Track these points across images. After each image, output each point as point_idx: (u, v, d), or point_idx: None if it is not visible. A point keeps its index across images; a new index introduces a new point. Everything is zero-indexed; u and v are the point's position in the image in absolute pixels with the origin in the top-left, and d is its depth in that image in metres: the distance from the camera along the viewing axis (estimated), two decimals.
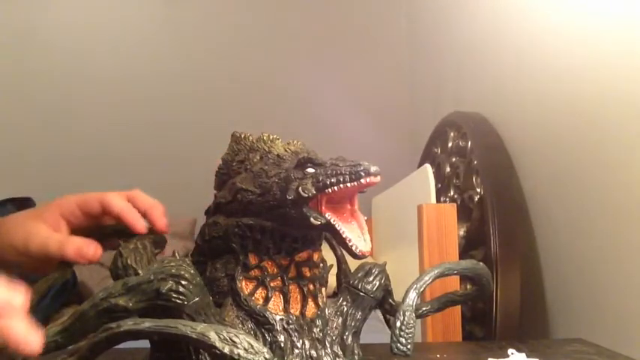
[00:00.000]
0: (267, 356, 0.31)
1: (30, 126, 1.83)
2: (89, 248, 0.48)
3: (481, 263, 0.50)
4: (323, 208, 0.40)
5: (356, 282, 0.47)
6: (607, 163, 0.83)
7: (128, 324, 0.33)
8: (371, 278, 0.47)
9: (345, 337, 0.45)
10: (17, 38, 1.87)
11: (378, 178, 0.39)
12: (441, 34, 1.63)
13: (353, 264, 0.49)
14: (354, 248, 0.39)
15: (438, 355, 0.60)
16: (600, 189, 0.85)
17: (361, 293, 0.46)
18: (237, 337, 0.31)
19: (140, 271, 0.42)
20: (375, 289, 0.47)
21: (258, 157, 0.45)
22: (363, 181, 0.38)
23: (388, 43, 2.01)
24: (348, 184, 0.38)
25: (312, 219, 0.39)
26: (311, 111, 1.90)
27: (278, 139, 0.46)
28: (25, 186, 1.11)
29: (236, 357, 0.31)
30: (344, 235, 0.39)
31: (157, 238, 0.50)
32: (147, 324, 0.33)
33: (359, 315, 0.46)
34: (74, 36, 1.91)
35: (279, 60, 1.93)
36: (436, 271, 0.46)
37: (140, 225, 0.51)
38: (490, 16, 1.27)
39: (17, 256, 0.51)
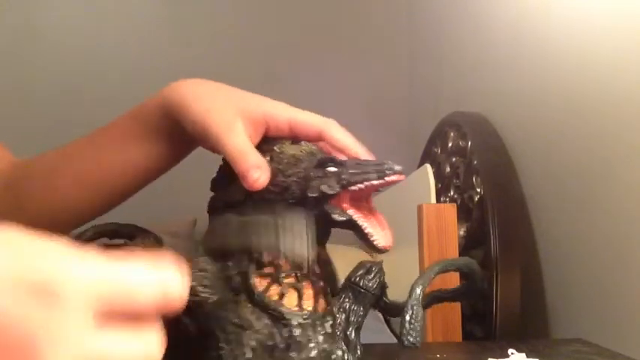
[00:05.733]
0: None
1: (30, 125, 1.83)
2: (254, 173, 0.42)
3: (474, 261, 0.52)
4: (345, 205, 0.41)
5: (357, 279, 0.48)
6: (607, 162, 0.83)
7: None
8: (371, 276, 0.48)
9: (348, 332, 0.46)
10: (17, 37, 1.87)
11: (403, 177, 0.41)
12: (442, 34, 1.63)
13: (350, 262, 0.50)
14: (376, 243, 0.41)
15: (438, 355, 0.60)
16: (601, 189, 0.85)
17: (363, 290, 0.47)
18: None
19: None
20: (375, 286, 0.48)
21: (267, 158, 0.45)
22: (388, 178, 0.40)
23: (388, 43, 2.01)
24: (375, 182, 0.40)
25: (334, 215, 0.41)
26: (310, 110, 1.90)
27: (287, 139, 0.47)
28: None
29: None
30: (366, 231, 0.41)
31: (156, 236, 0.50)
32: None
33: (361, 311, 0.47)
34: (74, 35, 1.91)
35: (278, 61, 1.93)
36: (437, 268, 0.48)
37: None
38: (490, 15, 1.27)
39: (195, 133, 0.46)
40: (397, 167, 0.40)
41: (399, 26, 2.00)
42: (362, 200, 0.42)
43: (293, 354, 0.41)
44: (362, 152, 0.46)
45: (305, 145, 0.46)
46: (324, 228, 0.44)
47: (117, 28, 1.93)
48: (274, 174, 0.44)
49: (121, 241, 0.52)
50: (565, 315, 0.95)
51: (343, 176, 0.41)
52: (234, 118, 0.45)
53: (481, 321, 0.99)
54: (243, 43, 1.93)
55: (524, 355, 0.56)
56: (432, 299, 0.54)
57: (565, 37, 0.95)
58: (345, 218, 0.41)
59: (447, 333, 0.85)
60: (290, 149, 0.46)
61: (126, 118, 0.53)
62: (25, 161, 0.58)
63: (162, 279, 0.26)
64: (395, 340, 1.00)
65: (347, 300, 0.47)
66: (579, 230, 0.91)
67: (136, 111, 0.52)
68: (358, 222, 0.41)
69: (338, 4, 2.00)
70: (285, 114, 0.46)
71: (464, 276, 0.56)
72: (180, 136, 0.50)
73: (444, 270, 0.49)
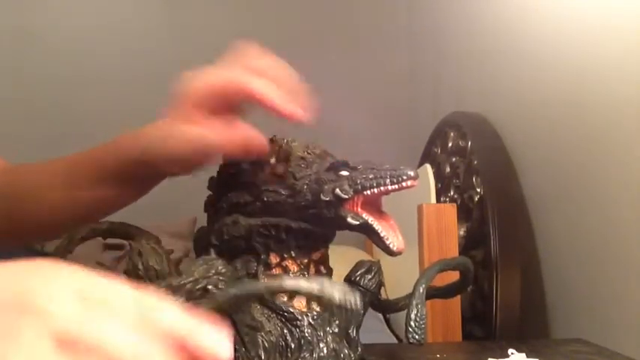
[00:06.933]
0: (359, 300, 0.33)
1: (31, 127, 1.83)
2: (255, 139, 0.42)
3: (468, 259, 0.55)
4: (359, 209, 0.42)
5: (357, 278, 0.49)
6: (607, 162, 0.83)
7: (241, 288, 0.34)
8: (371, 275, 0.49)
9: (350, 331, 0.46)
10: (13, 41, 1.86)
11: (417, 182, 0.41)
12: (442, 34, 1.63)
13: (349, 262, 0.50)
14: (391, 246, 0.41)
15: (438, 355, 0.60)
16: (600, 189, 0.85)
17: (362, 289, 0.48)
18: (334, 284, 0.33)
19: (149, 272, 0.42)
20: (374, 285, 0.49)
21: (273, 159, 0.46)
22: (404, 183, 0.41)
23: (388, 43, 2.01)
24: (389, 187, 0.41)
25: (349, 219, 0.41)
26: (311, 112, 1.90)
27: (294, 141, 0.47)
28: None
29: (338, 301, 0.32)
30: (382, 234, 0.41)
31: (154, 236, 0.50)
32: (259, 285, 0.34)
33: (361, 310, 0.48)
34: (73, 36, 1.91)
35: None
36: (437, 267, 0.50)
37: (299, 115, 0.44)
38: (490, 15, 1.27)
39: (173, 167, 0.47)
40: (412, 172, 0.41)
41: (399, 26, 2.00)
42: (372, 203, 0.43)
43: (305, 354, 0.42)
44: (280, 99, 0.44)
45: (313, 148, 0.47)
46: (331, 230, 0.45)
47: (115, 31, 1.93)
48: (284, 176, 0.44)
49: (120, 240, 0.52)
50: (565, 315, 0.95)
51: (358, 180, 0.41)
52: (180, 127, 0.45)
53: (481, 321, 0.99)
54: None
55: (524, 355, 0.56)
56: (433, 294, 0.55)
57: (565, 37, 0.95)
58: (359, 222, 0.41)
59: (447, 333, 0.85)
60: (298, 151, 0.46)
61: (98, 160, 0.52)
62: (17, 167, 0.58)
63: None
64: (395, 340, 1.00)
65: None
66: (579, 230, 0.91)
67: (106, 155, 0.51)
68: (374, 225, 0.41)
69: (338, 4, 2.00)
70: (201, 88, 0.45)
71: (460, 273, 0.57)
72: (152, 176, 0.50)
73: (444, 269, 0.50)
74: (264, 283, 0.35)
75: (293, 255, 0.44)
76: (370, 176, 0.41)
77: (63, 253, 0.49)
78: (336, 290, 0.32)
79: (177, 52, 1.91)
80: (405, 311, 0.50)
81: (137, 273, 0.42)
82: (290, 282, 0.33)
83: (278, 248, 0.44)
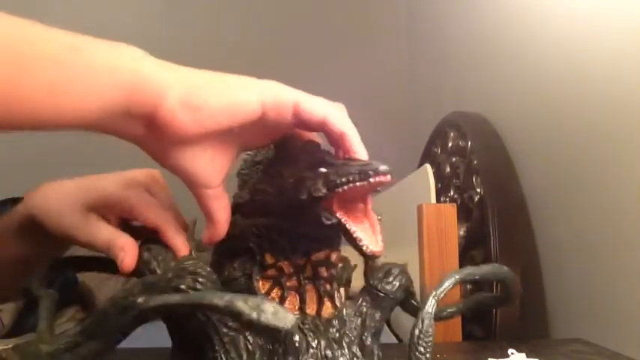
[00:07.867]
0: (291, 322, 0.31)
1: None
2: (119, 255, 0.43)
3: (505, 267, 0.48)
4: (335, 207, 0.39)
5: (375, 282, 0.47)
6: (607, 162, 0.83)
7: (156, 299, 0.34)
8: (391, 279, 0.47)
9: (364, 337, 0.45)
10: None
11: (388, 177, 0.38)
12: (441, 34, 1.63)
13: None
14: (364, 248, 0.39)
15: (438, 355, 0.60)
16: (601, 189, 0.85)
17: (381, 294, 0.47)
18: (264, 303, 0.32)
19: (158, 269, 0.42)
20: (395, 289, 0.47)
21: (266, 157, 0.45)
22: (371, 180, 0.38)
23: (388, 43, 2.01)
24: (357, 184, 0.38)
25: (323, 218, 0.39)
26: None
27: (289, 139, 0.46)
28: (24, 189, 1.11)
29: (264, 322, 0.31)
30: (355, 235, 0.39)
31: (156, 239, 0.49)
32: (177, 297, 0.34)
33: (378, 316, 0.46)
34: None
35: (278, 61, 1.93)
36: (457, 277, 0.45)
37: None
38: (490, 15, 1.27)
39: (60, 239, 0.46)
40: (382, 167, 0.38)
41: (399, 26, 2.00)
42: (357, 201, 0.41)
43: (290, 358, 0.40)
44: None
45: (307, 144, 0.45)
46: (316, 230, 0.42)
47: (114, 33, 1.93)
48: (274, 175, 0.43)
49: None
50: (565, 315, 0.95)
51: (331, 178, 0.39)
52: (83, 215, 0.45)
53: (481, 321, 0.99)
54: (242, 42, 1.93)
55: (524, 355, 0.56)
56: (477, 304, 0.51)
57: (565, 37, 0.95)
58: (333, 221, 0.39)
59: (447, 333, 0.85)
60: (291, 145, 0.45)
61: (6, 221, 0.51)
62: None
63: None
64: (395, 340, 1.00)
65: (364, 304, 0.46)
66: (579, 230, 0.91)
67: (10, 217, 0.51)
68: (347, 225, 0.39)
69: (338, 4, 2.00)
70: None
71: (502, 287, 0.52)
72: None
73: (464, 280, 0.45)
74: (184, 296, 0.34)
75: (288, 256, 0.42)
76: (344, 173, 0.38)
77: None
78: (260, 310, 0.31)
79: (177, 53, 1.91)
80: (406, 313, 0.49)
81: (140, 267, 0.42)
82: (209, 296, 0.32)
83: (272, 249, 0.43)
